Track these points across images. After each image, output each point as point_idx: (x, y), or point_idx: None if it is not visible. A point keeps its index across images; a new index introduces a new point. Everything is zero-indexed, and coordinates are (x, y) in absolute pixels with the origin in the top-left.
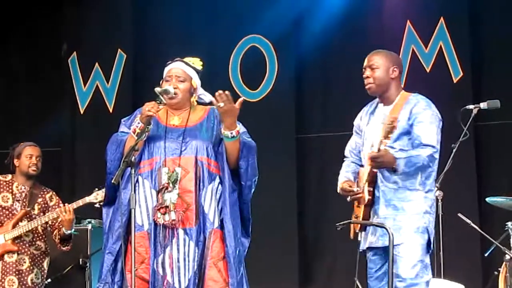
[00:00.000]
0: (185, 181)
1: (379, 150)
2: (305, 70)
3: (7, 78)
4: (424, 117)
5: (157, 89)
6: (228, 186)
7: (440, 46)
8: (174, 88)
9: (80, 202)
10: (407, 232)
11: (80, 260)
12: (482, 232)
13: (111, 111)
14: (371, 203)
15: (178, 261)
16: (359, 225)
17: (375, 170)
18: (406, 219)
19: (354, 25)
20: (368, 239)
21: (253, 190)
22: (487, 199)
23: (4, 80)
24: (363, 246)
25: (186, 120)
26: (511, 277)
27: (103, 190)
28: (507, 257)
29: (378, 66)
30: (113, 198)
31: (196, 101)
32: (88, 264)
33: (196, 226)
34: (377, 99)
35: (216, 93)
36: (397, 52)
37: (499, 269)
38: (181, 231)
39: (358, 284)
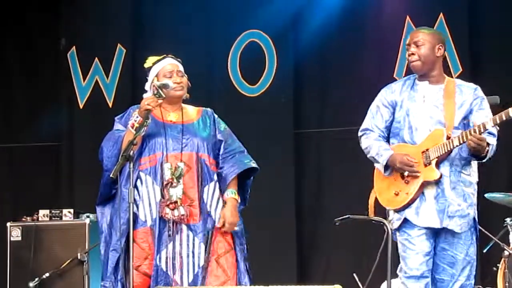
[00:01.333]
0: (188, 177)
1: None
2: (304, 65)
3: (5, 72)
4: (486, 105)
5: (156, 83)
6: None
7: None
8: (179, 82)
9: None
10: (469, 222)
11: (79, 254)
12: (481, 228)
13: (110, 106)
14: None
15: (182, 257)
16: (400, 202)
17: (450, 148)
18: (466, 207)
19: (354, 20)
20: (428, 219)
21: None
22: (486, 195)
23: (1, 74)
24: (405, 225)
25: (181, 117)
26: (509, 273)
27: None
28: (506, 253)
29: (424, 42)
30: (107, 196)
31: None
32: (86, 259)
33: (201, 222)
34: (413, 76)
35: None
36: (396, 47)
37: (498, 265)
38: (185, 227)
39: (357, 279)
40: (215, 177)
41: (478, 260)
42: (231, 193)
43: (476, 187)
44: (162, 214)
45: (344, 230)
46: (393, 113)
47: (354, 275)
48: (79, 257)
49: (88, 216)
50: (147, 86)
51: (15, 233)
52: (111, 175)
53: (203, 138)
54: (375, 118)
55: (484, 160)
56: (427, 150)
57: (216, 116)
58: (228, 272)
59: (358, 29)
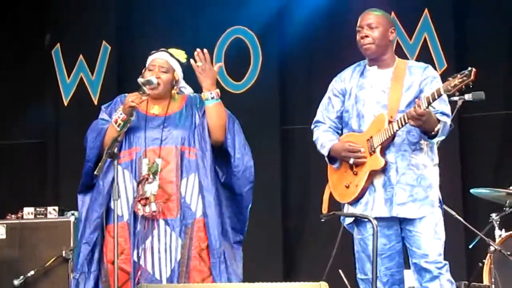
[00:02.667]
0: (165, 172)
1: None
2: (289, 61)
3: None
4: (436, 84)
5: (140, 80)
6: (209, 171)
7: (425, 38)
8: (157, 78)
9: None
10: (426, 206)
11: (63, 252)
12: (467, 224)
13: (95, 103)
14: (384, 170)
15: (159, 252)
16: (351, 195)
17: (392, 133)
18: (422, 191)
19: (339, 17)
20: (377, 210)
21: (251, 178)
22: (472, 191)
23: None
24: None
25: (166, 109)
26: (495, 269)
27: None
28: (492, 248)
29: (377, 25)
30: (88, 185)
31: (177, 93)
32: (71, 257)
33: (179, 216)
34: (363, 62)
35: (195, 52)
36: None
37: (484, 260)
38: (162, 222)
39: (343, 276)
40: (197, 167)
41: (464, 255)
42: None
43: (435, 169)
44: (135, 210)
45: (331, 227)
46: (343, 102)
47: (340, 271)
48: (64, 255)
49: (73, 214)
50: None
51: None
52: (95, 172)
53: (184, 129)
54: (326, 109)
55: (435, 139)
56: (371, 137)
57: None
58: (209, 266)
59: (343, 25)
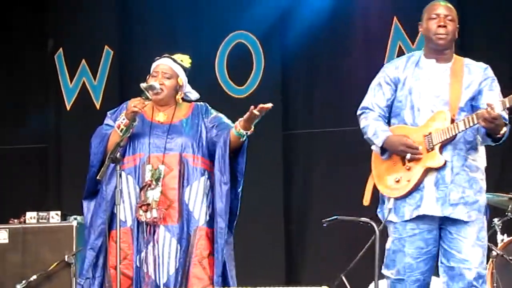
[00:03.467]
0: (168, 178)
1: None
2: (291, 66)
3: None
4: (496, 86)
5: (143, 85)
6: (221, 182)
7: None
8: (160, 84)
9: None
10: (474, 211)
11: (66, 257)
12: None
13: (98, 107)
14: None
15: (159, 258)
16: (401, 190)
17: (456, 133)
18: (472, 195)
19: (341, 21)
20: (429, 208)
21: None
22: None
23: None
24: (401, 215)
25: (171, 117)
26: (497, 274)
27: None
28: (494, 253)
29: (453, 19)
30: (93, 191)
31: (182, 98)
32: (73, 261)
33: (179, 223)
34: (417, 53)
35: (265, 106)
36: (383, 48)
37: (486, 265)
38: (162, 228)
39: (345, 280)
40: (206, 174)
41: None
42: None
43: (484, 172)
44: (137, 216)
45: (333, 231)
46: (395, 91)
47: (342, 276)
48: (66, 260)
49: (75, 218)
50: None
51: (2, 236)
52: (97, 177)
53: (188, 136)
54: (376, 96)
55: (499, 142)
56: (429, 134)
57: (209, 107)
58: (211, 275)
59: (345, 30)
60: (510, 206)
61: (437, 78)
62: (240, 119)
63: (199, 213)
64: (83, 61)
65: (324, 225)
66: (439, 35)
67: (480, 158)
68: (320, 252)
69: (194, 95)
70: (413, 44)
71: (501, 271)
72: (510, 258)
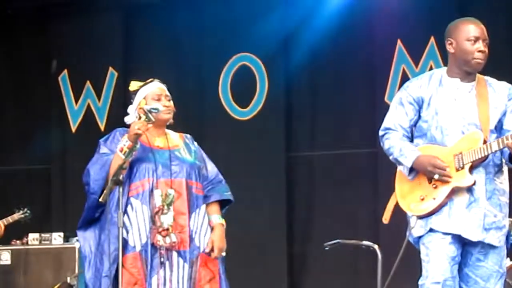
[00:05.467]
0: (178, 204)
1: None
2: (295, 88)
3: None
4: None
5: (146, 107)
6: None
7: (431, 65)
8: (168, 106)
9: (10, 219)
10: (503, 236)
11: (68, 278)
12: None
13: (102, 129)
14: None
15: (171, 283)
16: (426, 209)
17: (488, 153)
18: (501, 219)
19: (345, 44)
20: (459, 229)
21: None
22: None
23: None
24: (428, 228)
25: (167, 143)
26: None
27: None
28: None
29: (488, 43)
30: (90, 220)
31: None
32: (76, 283)
33: (190, 249)
34: (439, 70)
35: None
36: (387, 71)
37: None
38: (175, 253)
39: None
40: (202, 203)
41: None
42: (218, 219)
43: (508, 196)
44: (154, 241)
45: (335, 254)
46: (419, 111)
47: None
48: (68, 281)
49: (78, 240)
50: (130, 110)
51: (4, 257)
52: (100, 200)
53: (190, 164)
54: (398, 116)
55: None
56: (460, 153)
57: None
58: None
59: (349, 53)
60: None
61: (464, 98)
62: (217, 219)
63: (199, 239)
64: (88, 82)
65: (326, 248)
66: (479, 60)
67: (506, 181)
68: (322, 276)
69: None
70: (416, 68)
71: None
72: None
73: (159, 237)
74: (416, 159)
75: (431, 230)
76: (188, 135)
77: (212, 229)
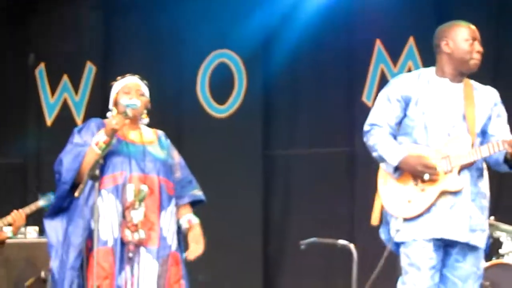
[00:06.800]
0: (149, 200)
1: None
2: (273, 87)
3: None
4: (504, 111)
5: (122, 102)
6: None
7: (409, 66)
8: (135, 101)
9: (33, 207)
10: (484, 239)
11: (42, 273)
12: None
13: (79, 123)
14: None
15: (139, 279)
16: (413, 212)
17: (478, 158)
18: (484, 222)
19: (324, 43)
20: (445, 231)
21: None
22: None
23: None
24: (411, 235)
25: (141, 138)
26: None
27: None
28: None
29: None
30: (59, 209)
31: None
32: (49, 278)
33: (158, 246)
34: (427, 70)
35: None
36: (365, 71)
37: None
38: (143, 250)
39: None
40: (173, 201)
41: None
42: (196, 219)
43: (489, 200)
44: (122, 236)
45: (311, 252)
46: (405, 109)
47: None
48: (42, 276)
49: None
50: (111, 105)
51: None
52: (76, 194)
53: (162, 161)
54: (385, 112)
55: None
56: (447, 156)
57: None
58: None
59: (328, 52)
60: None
61: (452, 100)
62: (191, 218)
63: (171, 238)
64: (65, 76)
65: (302, 247)
66: (476, 61)
67: (486, 185)
68: (298, 274)
69: (145, 120)
70: (395, 68)
71: None
72: (487, 283)
73: (127, 232)
74: (404, 159)
75: (413, 239)
76: (161, 132)
77: (189, 228)
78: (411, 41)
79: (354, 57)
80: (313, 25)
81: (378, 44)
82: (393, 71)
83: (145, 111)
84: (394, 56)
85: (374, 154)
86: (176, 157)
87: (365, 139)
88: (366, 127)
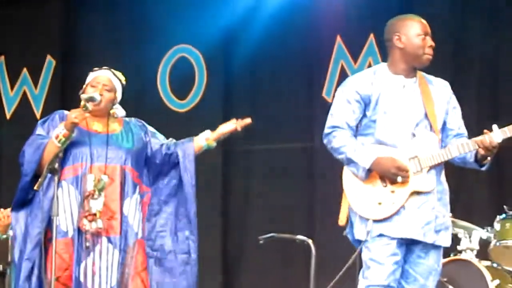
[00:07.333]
0: (110, 189)
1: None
2: (234, 82)
3: None
4: (458, 104)
5: (83, 96)
6: (191, 184)
7: (369, 63)
8: (100, 95)
9: None
10: (449, 237)
11: (0, 266)
12: None
13: (38, 117)
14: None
15: (100, 269)
16: (384, 213)
17: (447, 159)
18: (448, 220)
19: (285, 39)
20: (411, 232)
21: None
22: None
23: None
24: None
25: (106, 127)
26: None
27: None
28: None
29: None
30: (23, 202)
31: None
32: (8, 271)
33: (121, 235)
34: (381, 67)
35: (246, 120)
36: (326, 67)
37: None
38: (104, 239)
39: None
40: (137, 190)
41: None
42: (203, 134)
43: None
44: (80, 225)
45: (270, 248)
46: (364, 109)
47: None
48: (1, 269)
49: (11, 228)
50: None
51: None
52: (35, 188)
53: (127, 149)
54: (345, 114)
55: (484, 168)
56: (415, 157)
57: (146, 125)
58: (148, 286)
59: (289, 48)
60: None
61: (411, 98)
62: (208, 132)
63: (137, 226)
64: (25, 69)
65: (261, 242)
66: (429, 56)
67: (445, 179)
68: (256, 269)
69: (121, 112)
70: (355, 64)
71: None
72: (445, 280)
73: (85, 221)
74: (376, 161)
75: (380, 234)
76: (133, 119)
77: (210, 138)
78: (371, 37)
79: (315, 53)
80: (274, 21)
81: (339, 40)
82: (354, 68)
83: (116, 105)
84: (355, 52)
85: (340, 156)
86: (150, 135)
87: (325, 141)
88: (327, 130)
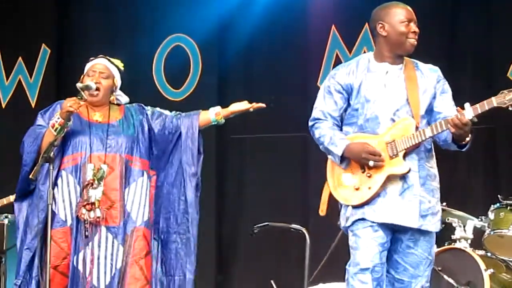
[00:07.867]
0: (110, 179)
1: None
2: (229, 71)
3: None
4: (448, 88)
5: (79, 85)
6: (189, 175)
7: (364, 52)
8: (97, 83)
9: (5, 201)
10: (438, 222)
11: None
12: None
13: (33, 106)
14: (403, 177)
15: (99, 259)
16: (361, 198)
17: (422, 140)
18: (436, 205)
19: (280, 28)
20: (394, 217)
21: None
22: None
23: None
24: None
25: (108, 117)
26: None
27: None
28: None
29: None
30: (25, 192)
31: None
32: (3, 259)
33: (121, 224)
34: (366, 55)
35: (260, 104)
36: (321, 55)
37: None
38: (104, 229)
39: (274, 286)
40: (144, 175)
41: None
42: (213, 109)
43: (439, 180)
44: (78, 214)
45: (265, 236)
46: (348, 99)
47: (272, 282)
48: None
49: (6, 217)
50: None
51: None
52: (30, 176)
53: (127, 137)
54: (327, 105)
55: (464, 149)
56: (393, 141)
57: (143, 106)
58: (147, 275)
59: (284, 37)
60: None
61: (393, 84)
62: (218, 108)
63: (136, 214)
64: (20, 58)
65: (255, 231)
66: (413, 41)
67: (435, 165)
68: (251, 257)
69: (124, 98)
70: (350, 53)
71: (430, 281)
72: (439, 268)
73: (83, 210)
74: (347, 147)
75: (362, 219)
76: (134, 105)
77: (220, 113)
78: (366, 27)
79: (310, 43)
80: (269, 10)
81: (334, 29)
82: (348, 57)
83: (118, 92)
84: (349, 42)
85: (321, 147)
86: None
87: (311, 134)
88: (310, 122)
